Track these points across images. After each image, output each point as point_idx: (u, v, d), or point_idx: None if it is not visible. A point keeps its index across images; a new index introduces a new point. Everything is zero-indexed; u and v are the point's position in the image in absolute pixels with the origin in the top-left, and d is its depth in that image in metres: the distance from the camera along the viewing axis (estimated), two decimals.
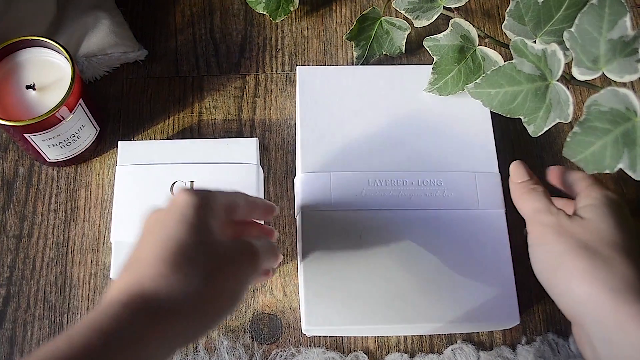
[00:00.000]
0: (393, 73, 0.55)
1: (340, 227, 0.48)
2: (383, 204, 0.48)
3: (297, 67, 0.56)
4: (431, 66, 0.53)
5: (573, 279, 0.39)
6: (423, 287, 0.46)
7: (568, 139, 0.44)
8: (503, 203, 0.49)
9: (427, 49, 0.53)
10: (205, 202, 0.36)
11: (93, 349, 0.28)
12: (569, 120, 0.45)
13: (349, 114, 0.53)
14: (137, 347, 0.30)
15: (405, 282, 0.46)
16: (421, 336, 0.50)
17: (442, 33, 0.52)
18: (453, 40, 0.51)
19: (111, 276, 0.49)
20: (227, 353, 0.49)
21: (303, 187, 0.50)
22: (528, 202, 0.44)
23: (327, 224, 0.48)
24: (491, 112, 0.51)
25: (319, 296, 0.46)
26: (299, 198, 0.50)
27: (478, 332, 0.50)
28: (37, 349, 0.30)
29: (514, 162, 0.47)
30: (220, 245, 0.35)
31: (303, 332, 0.48)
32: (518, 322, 0.47)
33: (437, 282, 0.46)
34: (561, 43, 0.46)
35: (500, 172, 0.51)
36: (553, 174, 0.48)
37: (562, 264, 0.40)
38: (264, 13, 0.60)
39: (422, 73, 0.54)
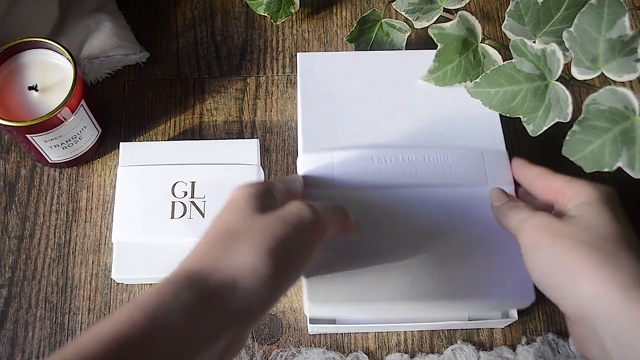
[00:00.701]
0: (395, 58, 0.54)
1: (345, 205, 0.45)
2: (388, 180, 0.47)
3: (298, 53, 0.54)
4: (433, 52, 0.52)
5: (579, 278, 0.37)
6: (432, 264, 0.44)
7: (567, 138, 0.44)
8: (512, 181, 0.48)
9: (432, 36, 0.52)
10: (261, 190, 0.37)
11: (136, 324, 0.28)
12: (568, 120, 0.45)
13: (351, 96, 0.52)
14: (183, 321, 0.29)
15: (413, 259, 0.44)
16: (421, 336, 0.50)
17: (449, 22, 0.52)
18: (459, 31, 0.51)
19: (112, 276, 0.49)
20: None
21: (305, 167, 0.48)
22: (513, 217, 0.42)
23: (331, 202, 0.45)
24: None
25: (322, 273, 0.43)
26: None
27: (478, 332, 0.50)
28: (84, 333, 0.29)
29: (491, 190, 0.46)
30: (274, 216, 0.34)
31: (305, 313, 0.46)
32: (533, 299, 0.44)
33: (446, 259, 0.44)
34: (560, 44, 0.46)
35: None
36: (515, 167, 0.47)
37: (564, 265, 0.38)
38: (265, 15, 0.60)
39: (425, 58, 0.53)
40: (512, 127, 0.56)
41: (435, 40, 0.52)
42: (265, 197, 0.37)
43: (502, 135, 0.50)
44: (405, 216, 0.46)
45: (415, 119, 0.50)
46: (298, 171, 0.49)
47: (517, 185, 0.48)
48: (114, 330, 0.27)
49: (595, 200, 0.40)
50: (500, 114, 0.50)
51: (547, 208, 0.44)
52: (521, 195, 0.47)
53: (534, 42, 0.48)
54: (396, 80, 0.52)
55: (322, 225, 0.36)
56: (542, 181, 0.44)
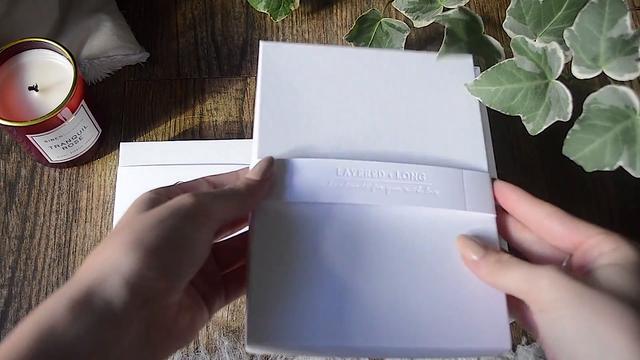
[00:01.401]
0: (374, 56, 0.48)
1: (300, 223, 0.40)
2: (353, 197, 0.40)
3: (260, 42, 0.46)
4: (417, 53, 0.51)
5: (611, 350, 0.31)
6: (396, 301, 0.38)
7: (568, 137, 0.44)
8: (494, 208, 0.41)
9: (437, 22, 0.50)
10: (153, 193, 0.35)
11: (30, 345, 0.27)
12: (568, 119, 0.45)
13: (319, 96, 0.45)
14: (71, 331, 0.28)
15: (375, 293, 0.38)
16: None
17: (452, 10, 0.51)
18: (462, 16, 0.51)
19: None
20: (228, 353, 0.49)
21: None
22: (508, 274, 0.35)
23: (284, 218, 0.39)
24: (488, 110, 0.51)
25: (268, 306, 0.37)
26: None
27: None
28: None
29: (459, 238, 0.39)
30: (153, 210, 0.33)
31: (246, 350, 0.39)
32: (509, 348, 0.37)
33: (413, 295, 0.38)
34: (561, 43, 0.46)
35: (496, 175, 0.46)
36: (515, 198, 0.39)
37: (593, 331, 0.31)
38: (265, 12, 0.60)
39: (407, 59, 0.48)
40: (512, 127, 0.57)
41: (441, 22, 0.50)
42: (155, 199, 0.35)
43: (485, 154, 0.45)
44: (369, 239, 0.40)
45: (390, 128, 0.45)
46: None
47: (499, 216, 0.41)
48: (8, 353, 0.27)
49: (633, 265, 0.33)
50: (484, 136, 0.47)
51: (549, 257, 0.38)
52: (511, 231, 0.40)
53: (535, 40, 0.48)
54: (373, 83, 0.47)
55: (204, 214, 0.34)
56: (559, 225, 0.37)
